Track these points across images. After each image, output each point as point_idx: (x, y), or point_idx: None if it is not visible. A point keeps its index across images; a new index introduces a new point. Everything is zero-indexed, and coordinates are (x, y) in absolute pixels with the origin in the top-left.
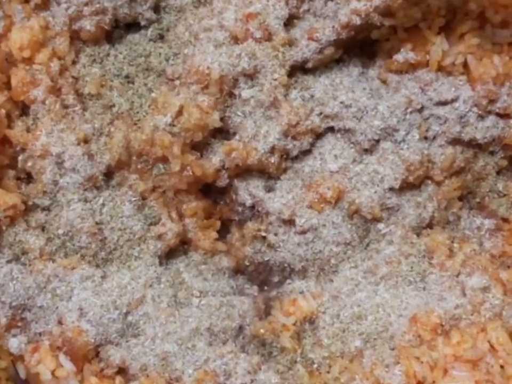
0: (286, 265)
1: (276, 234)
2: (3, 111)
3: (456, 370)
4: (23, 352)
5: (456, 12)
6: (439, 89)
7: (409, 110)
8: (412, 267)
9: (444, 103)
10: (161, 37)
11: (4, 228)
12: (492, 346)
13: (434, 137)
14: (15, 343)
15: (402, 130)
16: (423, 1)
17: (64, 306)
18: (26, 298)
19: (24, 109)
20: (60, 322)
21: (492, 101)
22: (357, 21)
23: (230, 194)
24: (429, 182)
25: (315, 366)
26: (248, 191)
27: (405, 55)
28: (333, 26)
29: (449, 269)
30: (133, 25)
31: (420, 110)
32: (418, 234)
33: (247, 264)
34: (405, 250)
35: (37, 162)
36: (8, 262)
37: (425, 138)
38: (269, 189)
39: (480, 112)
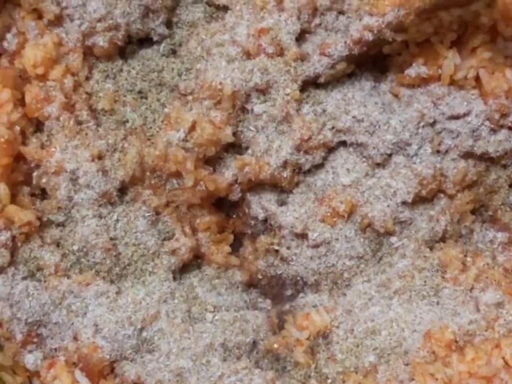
0: (298, 278)
1: (288, 248)
2: (17, 128)
3: None
4: (39, 368)
5: (467, 26)
6: (451, 103)
7: (421, 124)
8: (425, 281)
9: (456, 117)
10: (174, 52)
11: (19, 244)
12: (506, 362)
13: (446, 151)
14: (31, 359)
15: (415, 144)
16: (435, 16)
17: (80, 322)
18: (41, 314)
19: (38, 126)
20: (75, 338)
21: (504, 115)
22: (369, 36)
23: (243, 208)
24: (442, 195)
25: (329, 381)
26: (261, 204)
27: (417, 69)
28: (345, 42)
29: (462, 283)
30: (145, 41)
31: (432, 124)
32: (431, 248)
33: (260, 277)
34: (418, 264)
35: (52, 179)
36: (24, 278)
37: (438, 152)
38: (282, 203)
39: (492, 126)
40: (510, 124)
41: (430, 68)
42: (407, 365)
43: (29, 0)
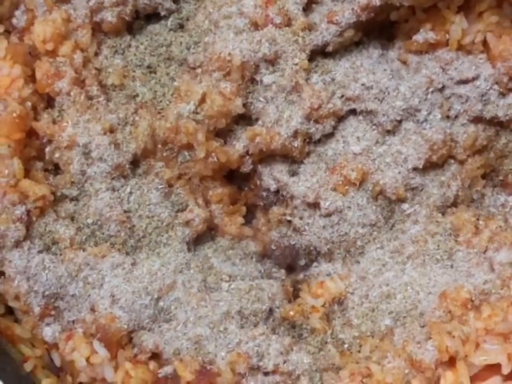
0: (312, 248)
1: (301, 218)
2: (29, 103)
3: (487, 343)
4: (57, 341)
5: None
6: (460, 68)
7: (430, 89)
8: (438, 245)
9: (464, 82)
10: (181, 26)
11: (34, 218)
12: None
13: (456, 116)
14: (49, 331)
15: (424, 110)
16: None
17: (96, 294)
18: (58, 287)
19: (49, 101)
20: (92, 310)
21: None
22: (376, 2)
23: (254, 180)
24: (452, 161)
25: (346, 346)
26: (272, 175)
27: (424, 35)
28: (353, 9)
29: (476, 245)
30: (153, 16)
31: (441, 90)
32: (443, 213)
33: (274, 248)
34: (431, 229)
35: (64, 153)
36: (40, 252)
37: (447, 117)
38: (293, 173)
39: (501, 89)
40: None
41: (437, 33)
42: (423, 326)
43: None
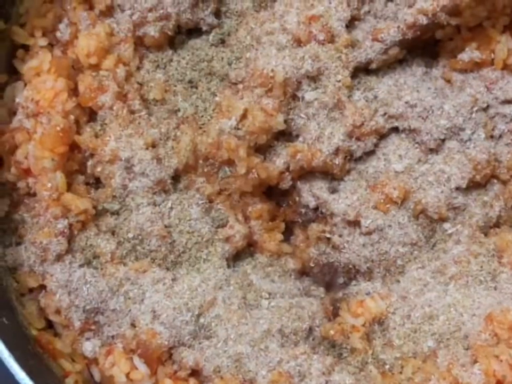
0: (351, 266)
1: (340, 236)
2: (72, 117)
3: None
4: (97, 356)
5: None
6: (505, 88)
7: (475, 108)
8: (481, 266)
9: (509, 102)
10: (223, 42)
11: (75, 232)
12: None
13: (500, 136)
14: (89, 346)
15: (468, 129)
16: (488, 0)
17: (137, 309)
18: (99, 301)
19: (91, 115)
20: (133, 325)
21: None
22: (423, 20)
23: (293, 197)
24: (495, 181)
25: (387, 366)
26: (312, 192)
27: (470, 54)
28: (398, 27)
29: None
30: (194, 31)
31: (486, 109)
32: (485, 234)
33: (312, 265)
34: (474, 250)
35: (106, 167)
36: (81, 266)
37: (491, 137)
38: (333, 190)
39: None
40: None
41: (482, 53)
42: (467, 349)
43: None
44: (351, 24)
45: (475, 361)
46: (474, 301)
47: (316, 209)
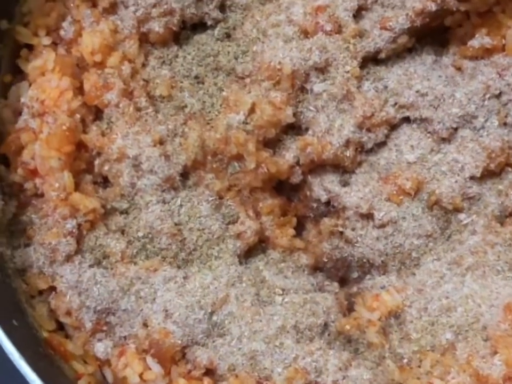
0: (365, 260)
1: (353, 229)
2: (78, 116)
3: None
4: (109, 357)
5: None
6: None
7: (487, 96)
8: (498, 256)
9: None
10: (228, 36)
11: (84, 232)
12: None
13: None
14: (101, 347)
15: (481, 117)
16: None
17: (149, 309)
18: (110, 302)
19: (97, 113)
20: (145, 325)
21: None
22: (432, 7)
23: (304, 191)
24: (510, 169)
25: (405, 360)
26: (323, 186)
27: (480, 40)
28: (407, 14)
29: None
30: (199, 26)
31: (498, 96)
32: (501, 223)
33: (325, 260)
34: (490, 240)
35: (114, 166)
36: (91, 266)
37: (505, 124)
38: (344, 184)
39: None
40: None
41: (493, 38)
42: (486, 340)
43: None
44: (358, 14)
45: (495, 352)
46: (492, 291)
47: (328, 203)
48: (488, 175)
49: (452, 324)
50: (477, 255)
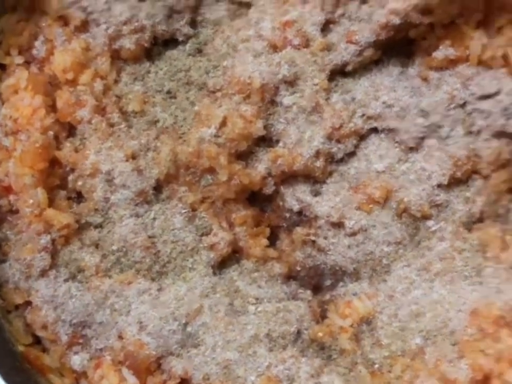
0: (337, 268)
1: (325, 238)
2: (51, 133)
3: None
4: (86, 369)
5: (492, 5)
6: (481, 83)
7: (452, 105)
8: (466, 262)
9: (486, 97)
10: (200, 51)
11: (59, 247)
12: None
13: (479, 132)
14: (77, 360)
15: (447, 126)
16: None
17: (124, 321)
18: (86, 315)
19: (70, 130)
20: (120, 337)
21: None
22: (396, 20)
23: (276, 202)
24: (476, 176)
25: (376, 366)
26: (295, 196)
27: (444, 51)
28: (372, 28)
29: (504, 261)
30: (170, 41)
31: (463, 105)
32: (469, 229)
33: (299, 269)
34: (458, 246)
35: (87, 181)
36: (66, 280)
37: (470, 133)
38: (316, 193)
39: None
40: None
41: (457, 49)
42: (454, 344)
43: (54, 7)
44: (326, 27)
45: (462, 357)
46: (460, 296)
47: (300, 212)
48: (455, 182)
49: (421, 329)
50: (445, 261)
